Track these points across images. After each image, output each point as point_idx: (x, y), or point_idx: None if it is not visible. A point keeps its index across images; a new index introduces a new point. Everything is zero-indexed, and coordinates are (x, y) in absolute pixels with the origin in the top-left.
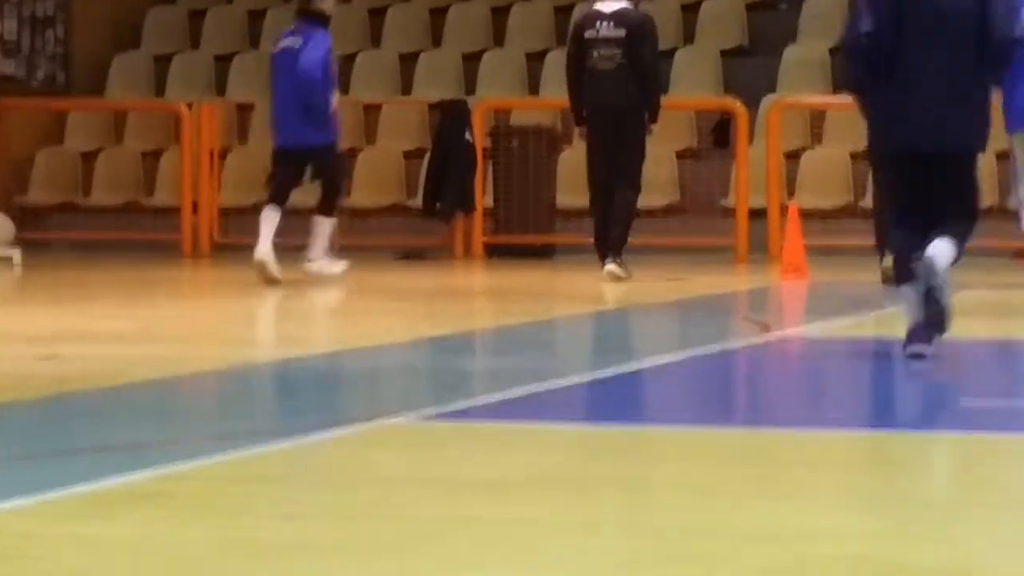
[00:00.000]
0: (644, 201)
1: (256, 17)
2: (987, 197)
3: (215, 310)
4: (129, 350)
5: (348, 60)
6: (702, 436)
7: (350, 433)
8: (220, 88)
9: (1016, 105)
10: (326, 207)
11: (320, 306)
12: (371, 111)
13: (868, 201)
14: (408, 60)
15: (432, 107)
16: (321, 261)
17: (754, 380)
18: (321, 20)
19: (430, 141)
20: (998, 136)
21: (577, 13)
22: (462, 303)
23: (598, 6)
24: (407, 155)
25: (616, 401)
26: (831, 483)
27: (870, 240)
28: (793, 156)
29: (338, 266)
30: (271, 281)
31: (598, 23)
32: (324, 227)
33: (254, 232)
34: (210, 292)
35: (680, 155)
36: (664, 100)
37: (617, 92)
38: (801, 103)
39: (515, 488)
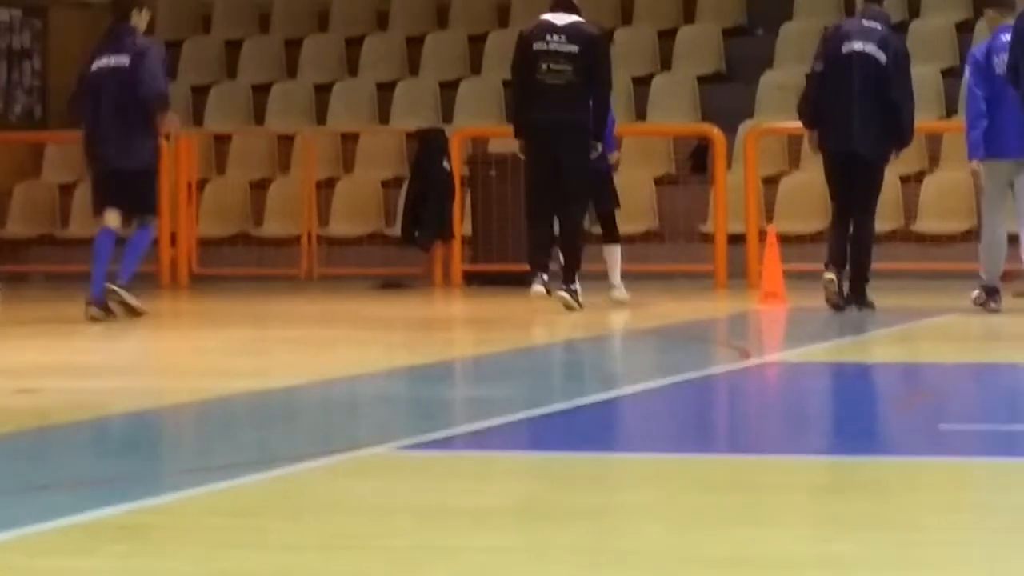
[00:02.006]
0: (622, 227)
1: (233, 48)
2: (963, 221)
3: (194, 342)
4: (108, 383)
5: (325, 89)
6: (681, 463)
7: (330, 463)
8: (197, 119)
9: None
10: (612, 234)
11: (300, 337)
12: (348, 140)
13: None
14: (385, 89)
15: (410, 136)
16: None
17: (733, 406)
18: None
19: (408, 170)
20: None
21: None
22: (441, 332)
23: (548, 17)
24: (385, 184)
25: (595, 429)
26: (808, 509)
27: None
28: (771, 181)
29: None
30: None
31: (548, 35)
32: (615, 254)
33: (231, 263)
34: (189, 324)
35: (658, 181)
36: (641, 126)
37: (564, 108)
38: (778, 128)
39: (495, 517)
